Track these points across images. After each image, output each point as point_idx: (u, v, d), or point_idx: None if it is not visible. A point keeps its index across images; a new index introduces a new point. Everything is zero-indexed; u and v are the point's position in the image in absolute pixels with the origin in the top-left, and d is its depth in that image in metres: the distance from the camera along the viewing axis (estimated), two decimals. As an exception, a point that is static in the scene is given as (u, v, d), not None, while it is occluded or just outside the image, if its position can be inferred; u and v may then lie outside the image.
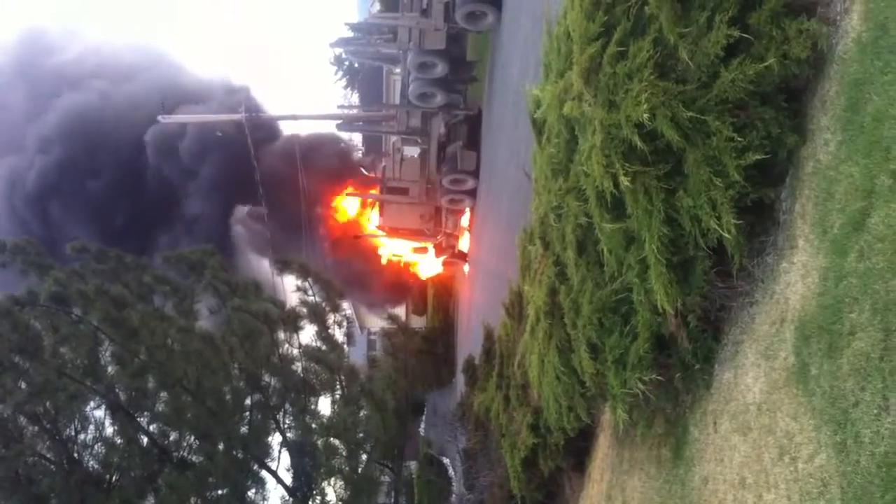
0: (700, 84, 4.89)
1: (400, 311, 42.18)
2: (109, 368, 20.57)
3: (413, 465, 27.39)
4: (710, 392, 5.54)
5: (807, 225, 4.50)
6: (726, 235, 4.81)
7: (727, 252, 4.99)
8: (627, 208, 5.54)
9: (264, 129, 35.79)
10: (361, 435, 23.42)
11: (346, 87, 57.11)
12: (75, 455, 20.93)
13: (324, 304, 24.79)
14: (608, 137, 5.46)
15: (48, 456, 20.77)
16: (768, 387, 4.66)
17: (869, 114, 4.04)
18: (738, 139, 4.66)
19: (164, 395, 21.00)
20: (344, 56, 50.04)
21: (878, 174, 3.88)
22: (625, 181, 5.31)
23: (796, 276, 4.53)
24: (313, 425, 22.83)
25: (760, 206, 4.88)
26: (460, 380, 20.43)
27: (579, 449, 9.25)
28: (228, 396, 21.76)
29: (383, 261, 38.56)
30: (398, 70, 31.46)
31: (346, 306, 29.32)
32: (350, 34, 31.99)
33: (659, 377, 5.79)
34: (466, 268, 34.34)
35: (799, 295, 4.46)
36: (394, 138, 34.74)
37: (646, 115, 4.97)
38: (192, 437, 21.47)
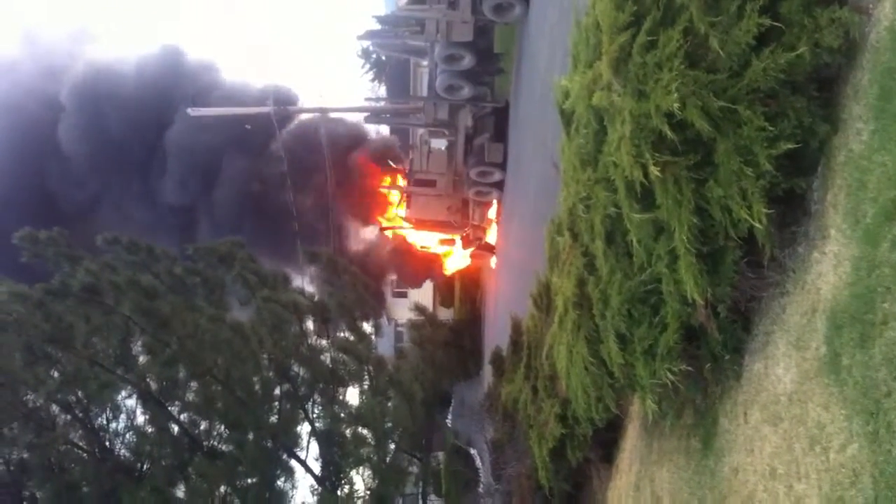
0: (731, 73, 4.87)
1: (427, 302, 42.22)
2: (141, 358, 20.83)
3: (440, 455, 27.47)
4: (740, 383, 5.53)
5: (839, 215, 4.47)
6: (757, 225, 4.78)
7: (758, 242, 4.97)
8: (657, 198, 5.53)
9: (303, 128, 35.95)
10: (389, 425, 23.58)
11: (373, 80, 57.19)
12: (107, 443, 21.24)
13: (353, 297, 24.96)
14: (637, 127, 5.44)
15: (80, 444, 21.08)
16: (799, 377, 4.65)
17: (902, 102, 4.01)
18: (770, 129, 4.63)
19: (194, 384, 21.23)
20: (371, 49, 50.05)
21: (911, 163, 3.86)
22: (654, 171, 5.29)
23: (828, 266, 4.51)
24: (342, 415, 22.99)
25: (791, 196, 4.85)
26: (487, 371, 20.44)
27: (607, 440, 9.25)
28: (258, 386, 21.97)
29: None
30: (425, 62, 31.42)
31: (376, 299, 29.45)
32: (377, 27, 31.97)
33: (688, 368, 5.77)
34: (493, 260, 34.34)
35: (831, 285, 4.44)
36: (421, 131, 34.79)
37: (676, 105, 4.95)
38: (222, 427, 21.70)
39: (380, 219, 38.69)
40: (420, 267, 40.30)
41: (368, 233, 40.51)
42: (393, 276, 40.79)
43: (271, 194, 37.00)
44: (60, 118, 37.52)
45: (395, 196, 37.33)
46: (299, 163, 35.00)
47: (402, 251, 38.53)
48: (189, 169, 36.79)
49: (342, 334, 25.01)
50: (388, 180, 38.04)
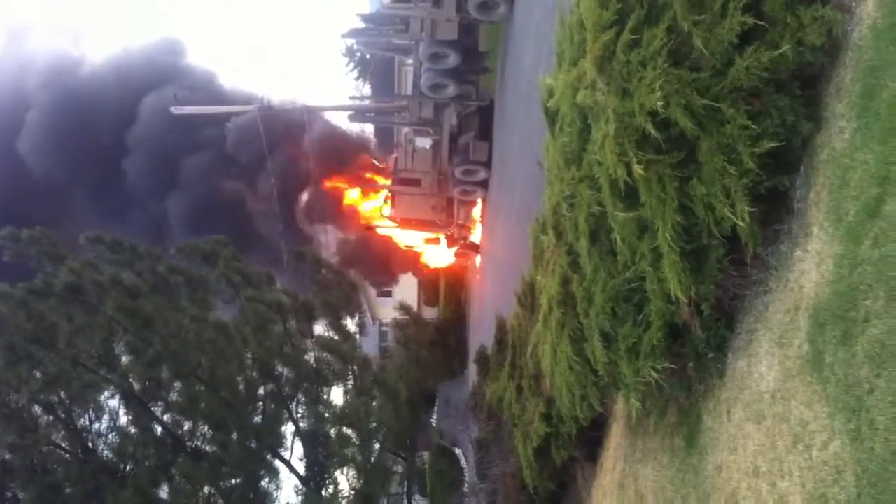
0: (714, 72, 4.87)
1: (412, 301, 42.20)
2: (124, 358, 20.72)
3: (425, 455, 27.47)
4: (723, 381, 5.54)
5: (821, 213, 4.48)
6: (740, 223, 4.79)
7: (741, 240, 4.97)
8: (641, 197, 5.53)
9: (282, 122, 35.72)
10: (374, 424, 23.54)
11: (357, 79, 57.16)
12: (90, 444, 21.13)
13: (337, 295, 24.92)
14: (621, 126, 5.44)
15: (63, 445, 20.97)
16: (782, 375, 4.66)
17: (884, 101, 4.02)
18: (753, 127, 4.64)
19: (178, 384, 21.13)
20: (356, 47, 49.99)
21: (893, 161, 3.87)
22: (638, 169, 5.29)
23: (811, 264, 4.52)
24: (326, 415, 22.94)
25: (775, 194, 4.86)
26: (472, 370, 20.46)
27: (592, 438, 9.26)
28: (242, 386, 21.91)
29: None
30: (410, 61, 31.41)
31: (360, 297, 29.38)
32: (362, 25, 31.89)
33: (672, 366, 5.78)
34: (478, 259, 34.35)
35: (813, 283, 4.45)
36: (406, 129, 34.70)
37: (659, 103, 4.95)
38: (206, 427, 21.62)
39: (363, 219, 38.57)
40: (391, 262, 40.17)
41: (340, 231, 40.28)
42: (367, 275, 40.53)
43: (245, 192, 36.79)
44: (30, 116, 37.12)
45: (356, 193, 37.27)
46: (276, 158, 34.83)
47: (371, 246, 38.40)
48: (157, 166, 36.47)
49: (327, 333, 24.95)
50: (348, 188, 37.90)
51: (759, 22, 4.65)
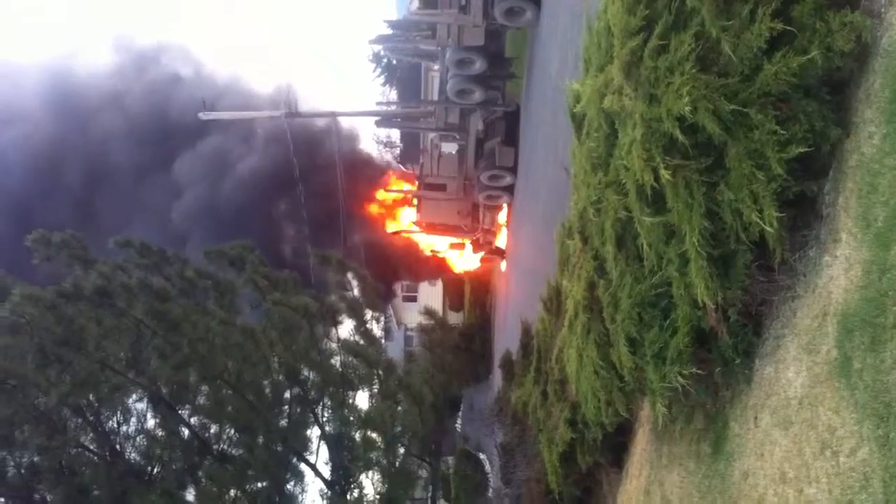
0: (742, 77, 4.87)
1: (437, 306, 42.23)
2: (152, 361, 20.84)
3: (450, 459, 27.45)
4: (750, 387, 5.52)
5: (850, 218, 4.47)
6: (768, 229, 4.78)
7: (769, 246, 4.96)
8: (668, 202, 5.53)
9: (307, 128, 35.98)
10: (399, 429, 23.54)
11: (384, 84, 57.26)
12: (117, 447, 21.25)
13: (361, 300, 24.98)
14: (649, 131, 5.45)
15: (91, 448, 21.10)
16: (810, 381, 4.64)
17: (914, 106, 4.00)
18: (781, 132, 4.63)
19: (205, 388, 21.24)
20: (382, 53, 50.13)
21: (923, 167, 3.85)
22: (665, 175, 5.30)
23: (839, 270, 4.50)
24: (351, 419, 22.98)
25: (803, 200, 4.85)
26: (497, 375, 20.45)
27: (617, 444, 9.23)
28: (268, 390, 21.99)
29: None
30: (437, 67, 31.48)
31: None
32: (389, 31, 32.02)
33: (699, 371, 5.77)
34: (504, 264, 34.34)
35: (842, 288, 4.43)
36: (432, 135, 34.80)
37: (687, 109, 4.96)
38: (233, 430, 21.69)
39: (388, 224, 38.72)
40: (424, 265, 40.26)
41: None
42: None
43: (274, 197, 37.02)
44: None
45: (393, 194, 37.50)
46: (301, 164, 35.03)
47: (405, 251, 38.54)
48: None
49: (353, 338, 25.02)
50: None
51: (787, 27, 4.65)
